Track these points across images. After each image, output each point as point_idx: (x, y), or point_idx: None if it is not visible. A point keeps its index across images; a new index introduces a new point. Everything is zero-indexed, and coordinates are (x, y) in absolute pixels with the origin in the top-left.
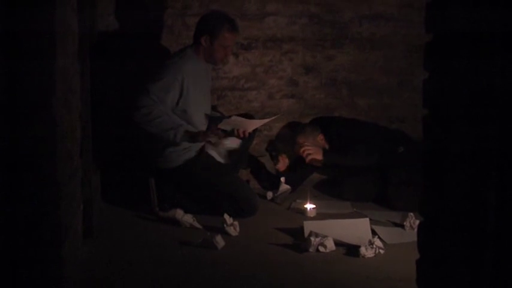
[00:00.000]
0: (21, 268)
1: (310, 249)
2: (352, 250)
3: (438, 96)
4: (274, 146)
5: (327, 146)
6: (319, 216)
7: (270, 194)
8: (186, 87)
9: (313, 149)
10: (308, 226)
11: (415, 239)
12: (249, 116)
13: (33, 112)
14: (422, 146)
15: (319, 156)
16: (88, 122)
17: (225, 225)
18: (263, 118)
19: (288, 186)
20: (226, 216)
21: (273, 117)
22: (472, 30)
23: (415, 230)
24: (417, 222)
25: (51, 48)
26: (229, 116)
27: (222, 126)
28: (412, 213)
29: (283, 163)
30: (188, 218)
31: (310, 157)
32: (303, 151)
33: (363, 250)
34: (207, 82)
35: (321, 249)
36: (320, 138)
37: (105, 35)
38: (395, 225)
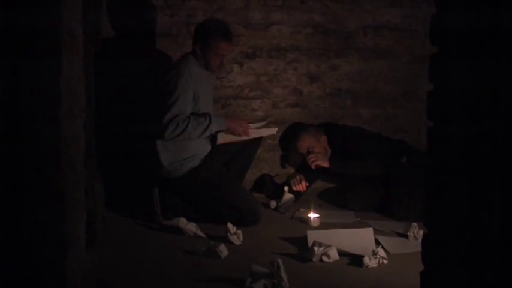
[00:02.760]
0: (24, 277)
1: (314, 259)
2: (355, 260)
3: (442, 108)
4: (287, 159)
5: (329, 150)
6: (323, 225)
7: (273, 203)
8: (197, 93)
9: (319, 156)
10: (311, 235)
11: (419, 249)
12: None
13: (38, 121)
14: (426, 157)
15: (325, 164)
16: (92, 131)
17: (228, 234)
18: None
19: (291, 196)
20: (229, 225)
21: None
22: (477, 43)
23: (419, 240)
24: (421, 232)
25: (56, 57)
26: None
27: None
28: (415, 223)
29: (302, 184)
30: (191, 227)
31: (315, 163)
32: (309, 158)
33: (366, 260)
34: (210, 85)
35: (325, 259)
36: (323, 139)
37: (109, 43)
38: (399, 235)
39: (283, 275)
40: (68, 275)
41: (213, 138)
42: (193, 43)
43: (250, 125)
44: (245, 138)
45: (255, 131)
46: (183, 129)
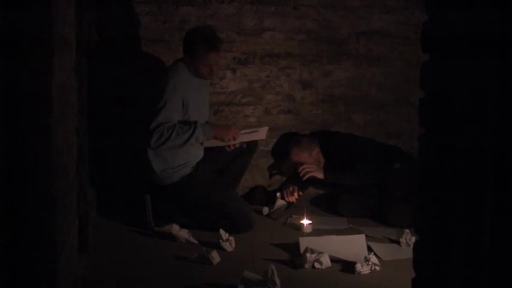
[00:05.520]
0: (16, 282)
1: (306, 266)
2: (347, 267)
3: (434, 115)
4: (279, 168)
5: (322, 160)
6: (315, 232)
7: (266, 210)
8: (187, 101)
9: (313, 168)
10: (304, 242)
11: (411, 255)
12: None
13: (30, 126)
14: (418, 164)
15: (320, 176)
16: (84, 137)
17: (220, 241)
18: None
19: (284, 202)
20: (222, 231)
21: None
22: (468, 50)
23: (411, 246)
24: (413, 238)
25: (48, 63)
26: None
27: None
28: (408, 230)
29: (294, 195)
30: (184, 233)
31: (308, 175)
32: (302, 169)
33: (358, 267)
34: (204, 91)
35: (317, 265)
36: (316, 152)
37: (102, 49)
38: (391, 241)
39: (277, 281)
40: (60, 280)
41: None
42: (183, 52)
43: (241, 131)
44: (233, 143)
45: (245, 136)
46: (167, 137)
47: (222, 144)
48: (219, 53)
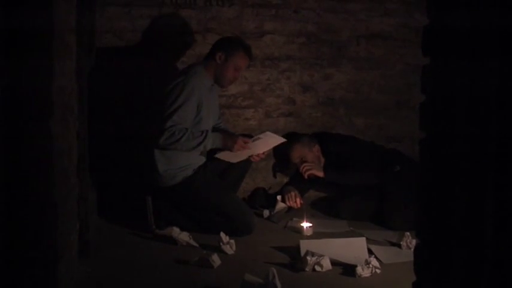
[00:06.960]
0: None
1: (307, 269)
2: (348, 270)
3: (435, 119)
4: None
5: (322, 159)
6: (316, 235)
7: (266, 213)
8: (201, 102)
9: (313, 166)
10: (304, 245)
11: (412, 258)
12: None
13: (31, 130)
14: (419, 167)
15: (320, 174)
16: (85, 140)
17: (221, 244)
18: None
19: (284, 205)
20: (222, 234)
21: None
22: (469, 55)
23: (412, 249)
24: (414, 241)
25: (49, 66)
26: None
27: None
28: (408, 233)
29: (297, 201)
30: (184, 236)
31: (309, 172)
32: (303, 167)
33: (359, 270)
34: (213, 94)
35: (318, 268)
36: (316, 149)
37: (103, 52)
38: (392, 244)
39: (278, 284)
40: (60, 284)
41: (208, 150)
42: (213, 51)
43: (250, 140)
44: (261, 151)
45: (265, 143)
46: (177, 139)
47: (245, 156)
48: (248, 63)
